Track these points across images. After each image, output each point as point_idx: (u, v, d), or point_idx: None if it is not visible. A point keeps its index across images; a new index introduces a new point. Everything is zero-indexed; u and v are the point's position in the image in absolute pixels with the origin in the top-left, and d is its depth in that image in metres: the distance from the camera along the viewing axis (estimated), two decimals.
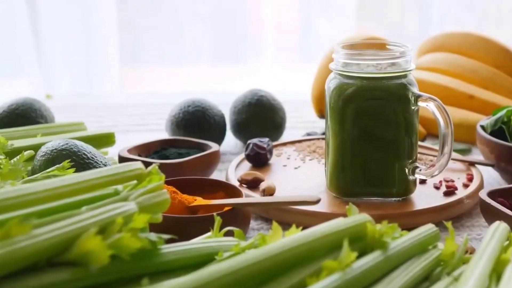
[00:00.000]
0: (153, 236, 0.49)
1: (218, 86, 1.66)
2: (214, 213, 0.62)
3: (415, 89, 0.75)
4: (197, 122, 0.99)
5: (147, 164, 0.56)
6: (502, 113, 0.91)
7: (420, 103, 0.74)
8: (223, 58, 1.82)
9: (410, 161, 0.76)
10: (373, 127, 0.75)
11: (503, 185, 0.88)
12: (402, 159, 0.76)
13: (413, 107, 0.75)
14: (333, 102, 0.75)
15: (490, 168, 0.91)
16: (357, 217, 0.54)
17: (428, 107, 0.74)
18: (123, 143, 0.92)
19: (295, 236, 0.50)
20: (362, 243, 0.52)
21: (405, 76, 0.75)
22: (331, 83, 0.77)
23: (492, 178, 0.93)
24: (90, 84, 1.72)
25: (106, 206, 0.48)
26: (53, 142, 0.75)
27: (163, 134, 1.05)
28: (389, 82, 0.74)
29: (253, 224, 0.77)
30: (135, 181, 0.54)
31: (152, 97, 1.45)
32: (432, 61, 1.22)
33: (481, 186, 0.83)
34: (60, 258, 0.44)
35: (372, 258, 0.50)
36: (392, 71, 0.74)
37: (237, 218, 0.68)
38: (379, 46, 0.80)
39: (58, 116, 1.15)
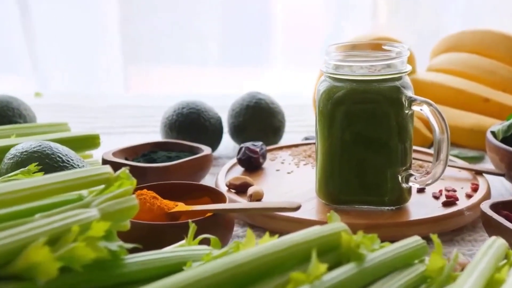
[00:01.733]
0: (113, 245, 0.47)
1: (225, 88, 1.63)
2: (189, 220, 0.59)
3: (410, 92, 0.71)
4: (191, 125, 0.96)
5: (133, 168, 0.53)
6: None
7: (414, 107, 0.70)
8: (231, 60, 1.78)
9: (404, 168, 0.72)
10: (363, 132, 0.71)
11: None
12: (395, 165, 0.72)
13: (407, 111, 0.71)
14: (322, 106, 0.72)
15: (503, 178, 0.85)
16: (333, 225, 0.50)
17: (422, 111, 0.70)
18: (117, 146, 0.87)
19: (265, 245, 0.47)
20: (336, 254, 0.49)
21: (399, 78, 0.71)
22: (320, 86, 0.73)
23: (504, 189, 0.87)
24: (90, 84, 1.70)
25: (62, 213, 0.45)
26: (24, 144, 0.69)
27: (159, 136, 1.03)
28: (381, 85, 0.70)
29: (239, 231, 0.74)
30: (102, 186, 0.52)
31: (154, 98, 1.42)
32: (446, 62, 1.14)
33: (486, 197, 0.77)
34: (5, 271, 0.41)
35: (344, 271, 0.46)
36: (385, 73, 0.70)
37: (217, 224, 0.64)
38: (375, 46, 0.76)
39: (52, 116, 1.14)
